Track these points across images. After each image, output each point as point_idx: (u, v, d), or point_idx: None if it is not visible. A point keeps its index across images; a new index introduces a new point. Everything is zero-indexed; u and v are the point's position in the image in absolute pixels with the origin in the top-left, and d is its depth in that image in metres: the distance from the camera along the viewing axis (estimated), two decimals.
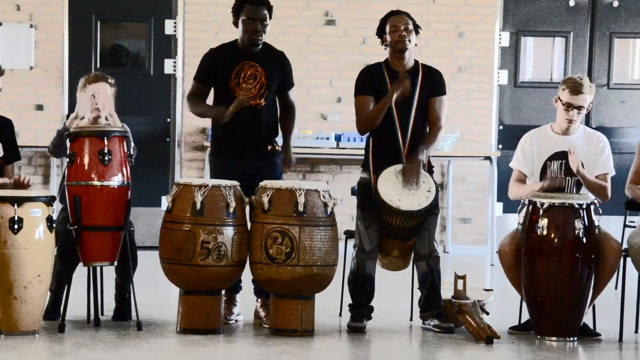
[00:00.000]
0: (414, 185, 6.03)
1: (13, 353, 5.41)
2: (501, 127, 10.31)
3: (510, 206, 9.25)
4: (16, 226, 5.70)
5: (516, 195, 6.28)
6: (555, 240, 5.98)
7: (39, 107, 9.79)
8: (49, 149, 6.34)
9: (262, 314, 6.26)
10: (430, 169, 6.23)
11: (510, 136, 10.00)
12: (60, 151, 6.20)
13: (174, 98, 9.93)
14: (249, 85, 6.14)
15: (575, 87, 6.17)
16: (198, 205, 5.86)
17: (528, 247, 6.04)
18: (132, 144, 6.16)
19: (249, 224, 6.02)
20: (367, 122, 6.16)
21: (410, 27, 6.18)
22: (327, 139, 9.57)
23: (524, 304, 6.17)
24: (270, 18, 6.25)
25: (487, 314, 6.17)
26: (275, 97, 6.34)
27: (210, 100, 6.43)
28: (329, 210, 5.96)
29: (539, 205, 6.02)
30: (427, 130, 6.25)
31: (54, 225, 5.85)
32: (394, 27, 6.17)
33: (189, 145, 9.94)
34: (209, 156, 6.49)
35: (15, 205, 5.71)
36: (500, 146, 10.24)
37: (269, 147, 6.29)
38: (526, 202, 6.12)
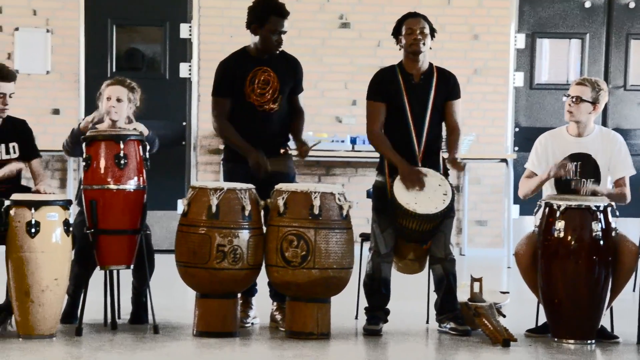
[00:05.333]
0: (418, 189, 6.01)
1: (30, 357, 5.43)
2: (517, 129, 10.29)
3: (526, 208, 9.22)
4: (33, 230, 5.72)
5: (524, 191, 6.25)
6: (572, 242, 5.96)
7: (56, 112, 9.82)
8: (64, 147, 6.34)
9: (278, 317, 6.26)
10: (446, 172, 6.22)
11: (526, 138, 9.97)
12: (75, 150, 6.21)
13: (189, 102, 9.94)
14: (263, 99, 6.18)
15: (578, 80, 6.23)
16: (214, 209, 5.87)
17: (545, 250, 6.02)
18: (156, 141, 6.23)
19: (264, 227, 6.02)
20: (376, 147, 6.19)
21: (426, 30, 6.17)
22: (342, 141, 9.55)
23: (541, 307, 6.16)
24: None
25: (504, 316, 6.15)
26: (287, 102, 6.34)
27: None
28: (345, 213, 5.96)
29: (555, 207, 6.00)
30: (445, 134, 6.25)
31: (71, 228, 5.86)
32: (410, 30, 6.15)
33: (205, 148, 9.95)
34: (222, 160, 6.48)
35: (32, 209, 5.72)
36: (517, 148, 10.21)
37: (282, 151, 6.29)
38: (542, 204, 6.11)
